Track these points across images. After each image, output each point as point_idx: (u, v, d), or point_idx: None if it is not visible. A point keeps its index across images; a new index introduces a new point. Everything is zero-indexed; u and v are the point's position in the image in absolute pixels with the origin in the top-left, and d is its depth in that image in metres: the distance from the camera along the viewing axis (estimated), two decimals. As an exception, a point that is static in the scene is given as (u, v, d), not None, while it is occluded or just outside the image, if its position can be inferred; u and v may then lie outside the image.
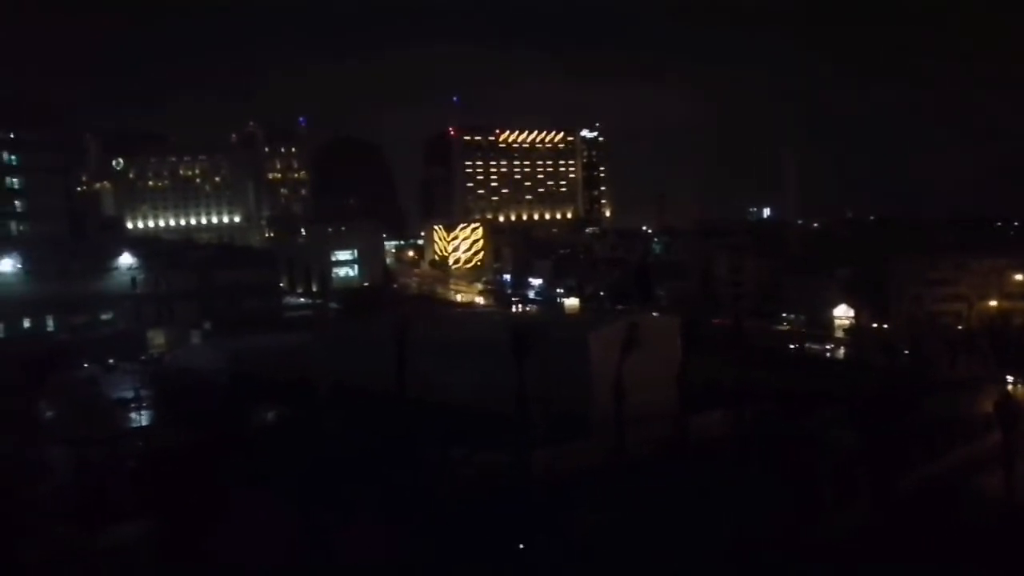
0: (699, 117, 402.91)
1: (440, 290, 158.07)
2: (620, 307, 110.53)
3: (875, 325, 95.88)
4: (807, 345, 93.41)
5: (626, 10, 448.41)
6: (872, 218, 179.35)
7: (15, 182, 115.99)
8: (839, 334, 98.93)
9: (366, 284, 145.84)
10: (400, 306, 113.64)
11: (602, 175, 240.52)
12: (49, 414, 54.92)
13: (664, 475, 37.47)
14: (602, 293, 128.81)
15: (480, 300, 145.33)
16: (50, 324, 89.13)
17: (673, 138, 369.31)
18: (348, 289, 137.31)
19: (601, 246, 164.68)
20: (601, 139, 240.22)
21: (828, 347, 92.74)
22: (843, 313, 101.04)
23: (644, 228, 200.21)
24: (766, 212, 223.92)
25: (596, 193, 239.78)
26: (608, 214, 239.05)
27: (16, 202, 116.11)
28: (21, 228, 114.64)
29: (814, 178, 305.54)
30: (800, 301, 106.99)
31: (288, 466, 36.99)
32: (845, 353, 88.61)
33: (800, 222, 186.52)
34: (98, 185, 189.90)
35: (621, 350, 48.39)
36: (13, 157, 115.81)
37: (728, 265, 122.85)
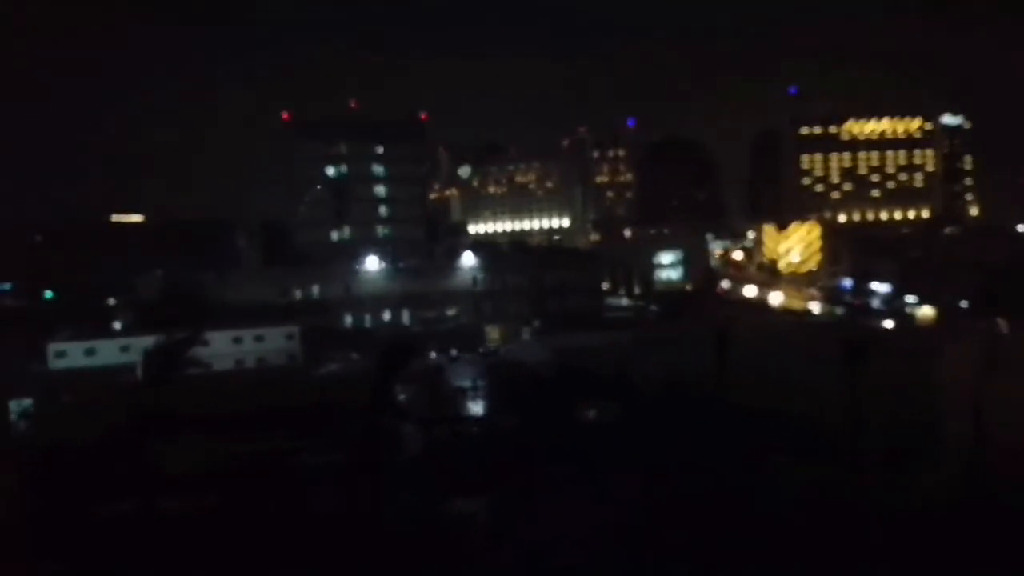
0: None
1: (768, 294, 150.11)
2: (986, 319, 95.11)
3: None
4: None
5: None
6: None
7: (382, 191, 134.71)
8: None
9: (688, 287, 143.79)
10: (723, 309, 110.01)
11: (967, 167, 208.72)
12: (403, 396, 62.25)
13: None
14: (963, 303, 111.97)
15: (813, 307, 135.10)
16: (406, 317, 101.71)
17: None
18: (670, 291, 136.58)
19: (963, 248, 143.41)
20: (967, 126, 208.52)
21: None
22: None
23: (1020, 227, 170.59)
24: None
25: (958, 188, 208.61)
26: (974, 212, 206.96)
27: (382, 208, 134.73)
28: (385, 232, 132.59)
29: None
30: None
31: (610, 459, 37.40)
32: None
33: None
34: (447, 193, 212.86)
35: (983, 368, 41.25)
36: (381, 169, 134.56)
37: None
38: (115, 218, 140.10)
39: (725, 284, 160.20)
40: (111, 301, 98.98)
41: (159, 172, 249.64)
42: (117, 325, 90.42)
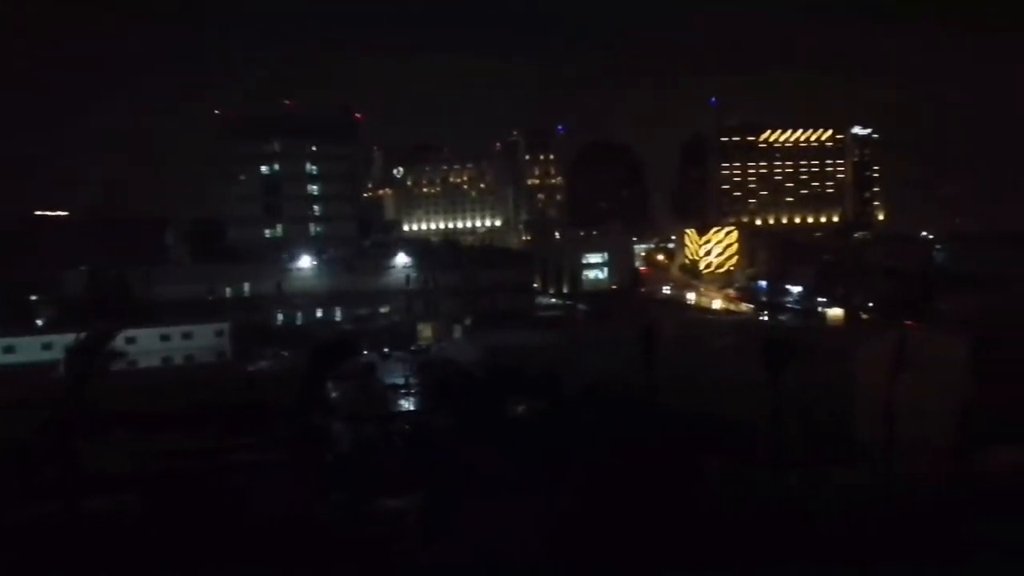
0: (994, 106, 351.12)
1: (689, 295, 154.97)
2: (894, 321, 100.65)
3: None
4: None
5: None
6: None
7: (315, 189, 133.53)
8: None
9: (614, 286, 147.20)
10: (647, 309, 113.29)
11: (875, 175, 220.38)
12: (334, 394, 62.39)
13: (940, 512, 33.31)
14: (871, 305, 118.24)
15: (731, 307, 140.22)
16: (338, 314, 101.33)
17: (968, 132, 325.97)
18: (597, 291, 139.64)
19: (872, 252, 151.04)
20: (875, 136, 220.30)
21: None
22: None
23: (924, 234, 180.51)
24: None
25: (867, 195, 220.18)
26: (881, 218, 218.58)
27: (315, 207, 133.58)
28: (318, 230, 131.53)
29: None
30: None
31: (541, 458, 38.48)
32: None
33: None
34: (381, 192, 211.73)
35: (891, 368, 44.05)
36: (315, 167, 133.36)
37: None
38: (38, 213, 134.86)
39: (649, 284, 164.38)
40: (33, 297, 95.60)
41: (89, 169, 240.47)
42: (39, 322, 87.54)
